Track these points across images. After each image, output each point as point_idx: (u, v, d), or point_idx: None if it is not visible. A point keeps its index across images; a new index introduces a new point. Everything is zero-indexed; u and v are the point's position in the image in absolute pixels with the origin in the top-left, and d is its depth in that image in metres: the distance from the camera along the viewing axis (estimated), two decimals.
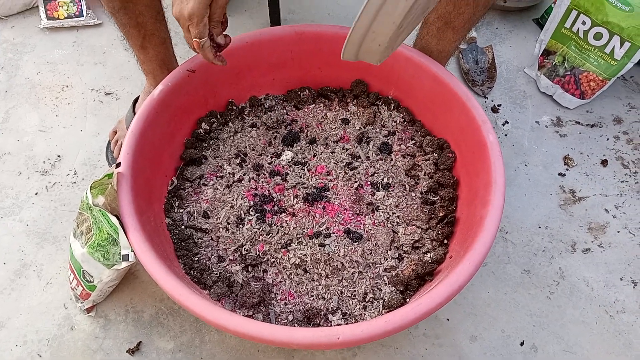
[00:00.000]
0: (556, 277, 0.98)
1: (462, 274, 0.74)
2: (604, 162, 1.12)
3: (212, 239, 0.92)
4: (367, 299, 0.87)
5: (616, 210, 1.06)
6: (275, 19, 1.36)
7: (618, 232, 1.03)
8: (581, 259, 1.00)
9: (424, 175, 0.99)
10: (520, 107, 1.21)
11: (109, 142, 1.11)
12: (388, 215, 0.94)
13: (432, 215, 0.94)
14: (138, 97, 1.10)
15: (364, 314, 0.85)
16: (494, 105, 1.21)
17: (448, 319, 0.94)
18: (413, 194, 0.97)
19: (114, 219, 0.79)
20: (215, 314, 0.72)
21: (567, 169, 1.11)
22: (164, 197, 0.96)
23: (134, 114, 1.07)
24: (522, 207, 1.06)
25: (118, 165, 0.83)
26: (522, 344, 0.91)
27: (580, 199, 1.07)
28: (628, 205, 1.06)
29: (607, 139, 1.16)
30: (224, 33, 0.81)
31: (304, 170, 0.99)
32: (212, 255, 0.91)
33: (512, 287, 0.97)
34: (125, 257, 0.80)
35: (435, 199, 0.96)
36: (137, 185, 0.85)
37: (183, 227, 0.93)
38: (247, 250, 0.90)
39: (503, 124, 1.18)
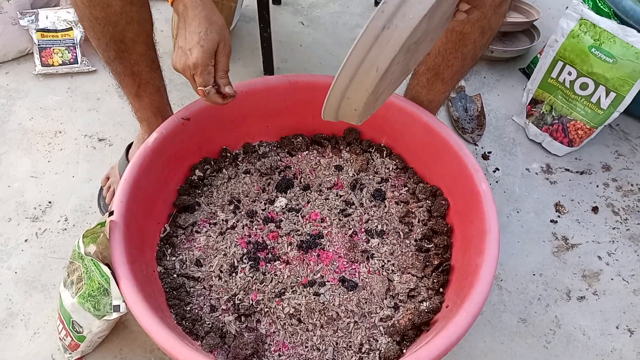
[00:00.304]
0: (552, 326, 0.97)
1: (460, 325, 0.74)
2: (595, 209, 1.13)
3: (204, 287, 0.91)
4: (363, 350, 0.85)
5: (609, 258, 1.06)
6: (268, 68, 1.39)
7: (612, 279, 1.03)
8: (576, 307, 1.00)
9: (418, 222, 0.99)
10: (510, 154, 1.23)
11: (101, 189, 1.10)
12: (383, 263, 0.94)
13: (427, 263, 0.94)
14: (131, 143, 1.10)
15: None
16: (484, 152, 1.23)
17: None
18: (407, 242, 0.97)
19: (105, 269, 0.77)
20: None
21: (558, 216, 1.12)
22: (156, 245, 0.94)
23: (127, 160, 1.07)
24: (516, 254, 1.06)
25: (111, 213, 0.82)
26: None
27: (573, 246, 1.08)
28: (620, 252, 1.07)
29: (597, 186, 1.17)
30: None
31: (298, 217, 0.99)
32: (205, 304, 0.89)
33: (508, 336, 0.96)
34: (117, 308, 0.78)
35: (430, 246, 0.96)
36: (130, 234, 0.84)
37: (175, 275, 0.91)
38: (240, 300, 0.89)
39: (494, 171, 1.20)
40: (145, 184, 0.91)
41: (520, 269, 1.04)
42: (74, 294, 0.81)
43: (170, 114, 1.02)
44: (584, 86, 1.14)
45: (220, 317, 0.88)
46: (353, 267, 0.93)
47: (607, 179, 1.19)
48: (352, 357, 0.85)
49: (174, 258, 0.94)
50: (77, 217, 1.08)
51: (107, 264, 0.80)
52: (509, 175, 1.19)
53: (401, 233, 0.98)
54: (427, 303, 0.89)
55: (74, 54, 1.37)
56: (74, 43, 1.37)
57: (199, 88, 0.77)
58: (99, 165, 1.17)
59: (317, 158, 1.10)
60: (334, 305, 0.88)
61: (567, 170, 1.20)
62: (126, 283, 0.77)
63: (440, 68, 0.94)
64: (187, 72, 0.76)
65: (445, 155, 0.97)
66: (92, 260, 0.78)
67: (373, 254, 0.95)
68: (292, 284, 0.90)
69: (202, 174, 1.04)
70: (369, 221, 0.99)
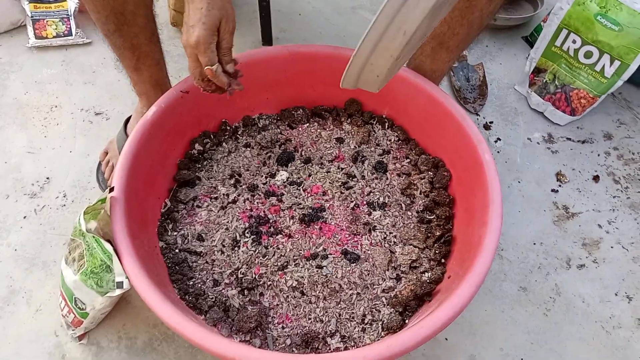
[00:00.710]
0: (552, 294, 0.98)
1: (463, 295, 0.74)
2: (596, 178, 1.13)
3: (207, 262, 0.91)
4: (365, 321, 0.86)
5: (609, 226, 1.07)
6: (267, 38, 1.36)
7: (612, 247, 1.04)
8: (576, 274, 1.00)
9: (420, 194, 0.99)
10: (512, 124, 1.22)
11: (100, 163, 1.09)
12: (385, 235, 0.94)
13: (429, 235, 0.94)
14: (129, 117, 1.08)
15: (363, 337, 0.84)
16: (486, 122, 1.22)
17: (447, 339, 0.93)
18: (409, 213, 0.97)
19: (107, 246, 0.77)
20: (213, 342, 0.70)
21: (559, 185, 1.12)
22: (157, 220, 0.94)
23: (126, 134, 1.06)
24: (517, 223, 1.07)
25: (111, 189, 0.81)
26: None
27: (573, 215, 1.08)
28: (620, 220, 1.07)
29: (598, 155, 1.17)
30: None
31: (299, 190, 0.99)
32: (207, 279, 0.89)
33: (509, 304, 0.97)
34: (120, 285, 0.78)
35: (432, 217, 0.96)
36: (131, 209, 0.84)
37: (177, 250, 0.91)
38: (243, 274, 0.89)
39: (495, 141, 1.19)
40: (144, 158, 0.90)
41: (520, 239, 1.05)
42: (75, 271, 0.80)
43: (170, 87, 1.01)
44: (588, 54, 1.12)
45: (223, 291, 0.88)
46: (355, 239, 0.93)
47: (608, 147, 1.18)
48: (355, 327, 0.85)
49: (175, 233, 0.93)
50: (75, 192, 1.07)
51: (108, 240, 0.80)
52: (511, 145, 1.18)
53: (403, 205, 0.98)
54: (429, 274, 0.89)
55: (68, 26, 1.34)
56: (67, 14, 1.34)
57: (205, 67, 0.74)
58: (96, 139, 1.16)
59: (318, 130, 1.08)
60: (336, 277, 0.88)
61: (569, 139, 1.19)
62: (129, 259, 0.77)
63: (445, 36, 0.92)
64: (190, 51, 0.73)
65: (448, 126, 0.96)
66: (93, 237, 0.77)
67: (375, 226, 0.95)
68: (295, 257, 0.90)
69: (202, 148, 1.03)
70: (371, 193, 0.99)
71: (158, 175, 0.96)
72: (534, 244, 1.04)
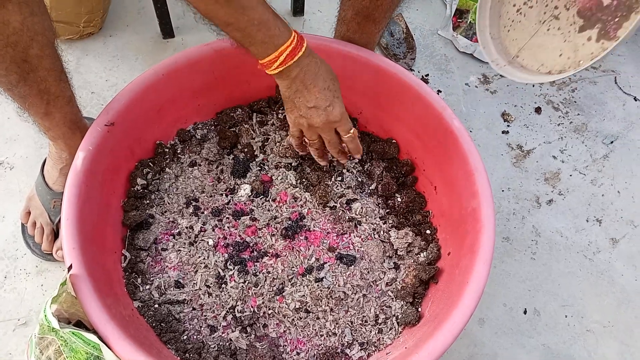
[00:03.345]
0: (533, 237, 1.01)
1: (480, 276, 0.72)
2: (538, 110, 1.15)
3: (194, 309, 0.81)
4: (379, 321, 0.82)
5: (562, 155, 1.10)
6: (166, 30, 1.20)
7: (570, 175, 1.08)
8: (548, 211, 1.03)
9: (381, 178, 0.94)
10: (447, 72, 1.20)
11: (24, 226, 0.92)
12: (374, 226, 0.89)
13: (408, 216, 0.91)
14: (44, 162, 0.91)
15: (383, 338, 0.81)
16: (422, 76, 1.19)
17: None
18: (380, 200, 0.93)
19: (90, 336, 0.65)
20: None
21: (508, 125, 1.13)
22: (122, 278, 0.82)
23: (46, 184, 0.90)
24: None
25: (70, 267, 0.68)
26: (525, 312, 0.93)
27: (528, 152, 1.10)
28: (571, 146, 1.11)
29: (533, 86, 1.19)
30: None
31: (269, 202, 0.90)
32: (202, 327, 0.80)
33: (498, 258, 0.98)
34: None
35: (401, 201, 0.92)
36: (97, 281, 0.71)
37: (157, 306, 0.80)
38: (240, 311, 0.80)
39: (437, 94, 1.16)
40: (88, 215, 0.76)
41: None
42: None
43: (85, 124, 0.85)
44: None
45: (223, 335, 0.79)
46: (344, 239, 0.88)
47: None
48: (370, 331, 0.82)
49: (148, 287, 0.82)
50: (6, 266, 0.90)
51: (79, 322, 0.68)
52: (452, 94, 1.17)
53: (369, 190, 0.93)
54: (425, 253, 0.87)
55: None
56: None
57: (350, 132, 0.79)
58: (5, 195, 0.97)
59: (263, 128, 0.98)
60: (339, 285, 0.83)
61: (503, 76, 1.20)
62: (119, 342, 0.66)
63: (369, 10, 0.86)
64: (329, 127, 0.77)
65: (404, 97, 0.91)
66: (71, 331, 0.65)
67: (359, 220, 0.90)
68: (290, 277, 0.83)
69: (144, 181, 0.89)
70: (339, 186, 0.93)
71: (106, 227, 0.82)
72: (503, 190, 1.05)
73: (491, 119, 1.14)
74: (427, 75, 1.19)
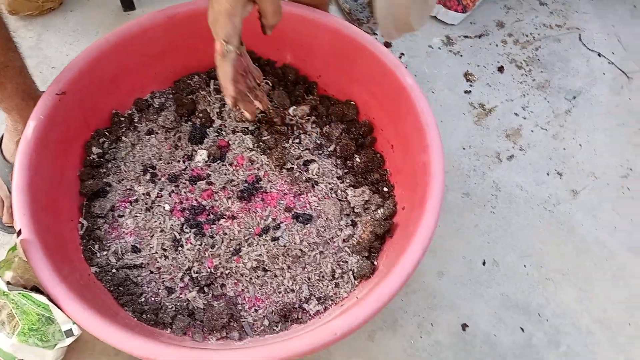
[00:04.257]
0: (493, 191, 1.01)
1: (428, 226, 0.73)
2: (501, 69, 1.15)
3: (152, 272, 0.82)
4: (336, 276, 0.84)
5: (524, 112, 1.11)
6: (127, 2, 1.19)
7: (532, 131, 1.08)
8: (509, 166, 1.04)
9: (340, 139, 0.94)
10: (410, 35, 1.20)
11: None
12: (331, 186, 0.90)
13: (366, 175, 0.92)
14: (1, 137, 0.92)
15: (339, 292, 0.82)
16: (385, 40, 1.19)
17: None
18: (339, 161, 0.93)
19: (40, 298, 0.67)
20: (195, 357, 0.65)
21: (470, 85, 1.13)
22: (80, 245, 0.83)
23: (4, 158, 0.90)
24: (443, 133, 1.05)
25: (19, 232, 0.69)
26: (483, 263, 0.94)
27: (490, 110, 1.10)
28: (533, 103, 1.12)
29: (497, 45, 1.19)
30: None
31: (225, 165, 0.91)
32: (159, 289, 0.81)
33: (457, 213, 0.99)
34: (69, 332, 0.69)
35: (359, 160, 0.92)
36: (49, 246, 0.72)
37: (114, 270, 0.81)
38: (196, 272, 0.82)
39: (399, 57, 1.16)
40: (40, 183, 0.77)
41: (450, 147, 1.06)
42: (10, 333, 0.69)
43: (40, 94, 0.85)
44: None
45: (181, 296, 0.81)
46: (301, 199, 0.89)
47: (503, 35, 1.20)
48: (328, 286, 0.83)
49: (105, 252, 0.83)
50: None
51: (37, 289, 0.69)
52: (415, 57, 1.17)
53: (327, 151, 0.94)
54: (382, 210, 0.87)
55: None
56: None
57: (217, 41, 0.65)
58: None
59: (220, 95, 0.99)
60: (295, 244, 0.84)
61: (466, 36, 1.20)
62: (69, 303, 0.67)
63: None
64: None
65: (359, 58, 0.91)
66: (20, 293, 0.66)
67: (317, 180, 0.90)
68: (246, 237, 0.84)
69: (100, 150, 0.90)
70: (297, 149, 0.93)
71: (61, 196, 0.83)
72: (464, 148, 1.06)
73: (454, 79, 1.14)
74: None
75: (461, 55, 1.17)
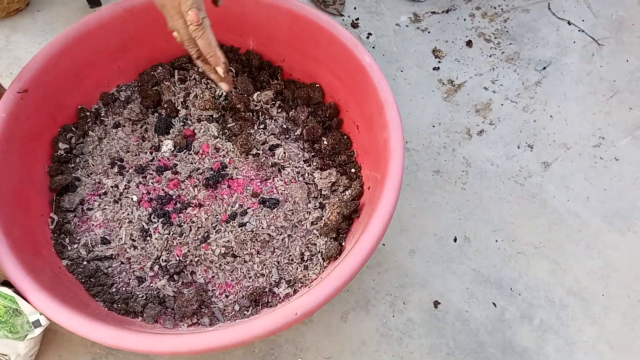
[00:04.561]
0: (463, 167, 1.02)
1: (389, 202, 0.74)
2: (469, 43, 1.15)
3: (122, 263, 0.83)
4: (305, 259, 0.84)
5: (494, 85, 1.10)
6: None
7: (502, 105, 1.08)
8: (479, 141, 1.04)
9: (302, 123, 0.95)
10: (377, 14, 1.19)
11: None
12: (297, 170, 0.90)
13: (334, 158, 0.92)
14: None
15: (308, 274, 0.83)
16: (352, 20, 1.18)
17: (384, 244, 0.94)
18: (305, 144, 0.94)
19: (5, 290, 0.68)
20: (164, 343, 0.66)
21: (439, 62, 1.13)
22: (51, 239, 0.84)
23: None
24: (412, 112, 1.07)
25: None
26: (455, 240, 0.95)
27: (459, 86, 1.10)
28: (502, 76, 1.11)
29: (465, 20, 1.18)
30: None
31: (191, 155, 0.91)
32: (130, 279, 0.82)
33: (428, 191, 0.99)
34: (37, 323, 0.70)
35: (326, 143, 0.93)
36: (16, 240, 0.73)
37: (85, 263, 0.82)
38: (165, 261, 0.83)
39: (367, 37, 1.16)
40: (7, 180, 0.78)
41: (420, 125, 1.06)
42: None
43: (3, 90, 0.86)
44: None
45: (151, 285, 0.82)
46: (268, 184, 0.89)
47: (471, 9, 1.19)
48: (297, 269, 0.84)
49: (75, 245, 0.84)
50: None
51: (5, 282, 0.71)
52: (383, 36, 1.16)
53: (294, 135, 0.94)
54: (349, 191, 0.88)
55: None
56: None
57: (190, 10, 0.63)
58: None
59: (185, 84, 0.99)
60: (262, 228, 0.85)
61: (434, 12, 1.19)
62: (35, 295, 0.68)
63: None
64: (170, 4, 0.64)
65: (319, 39, 0.91)
66: None
67: (283, 165, 0.91)
68: (214, 225, 0.85)
69: (67, 146, 0.90)
70: (263, 134, 0.94)
71: (30, 192, 0.84)
72: (433, 126, 1.06)
73: (422, 56, 1.14)
74: (357, 19, 1.18)
75: (429, 32, 1.16)
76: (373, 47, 1.15)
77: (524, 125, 1.06)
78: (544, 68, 1.12)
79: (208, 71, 0.73)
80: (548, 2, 1.20)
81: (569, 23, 1.18)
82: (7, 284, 0.73)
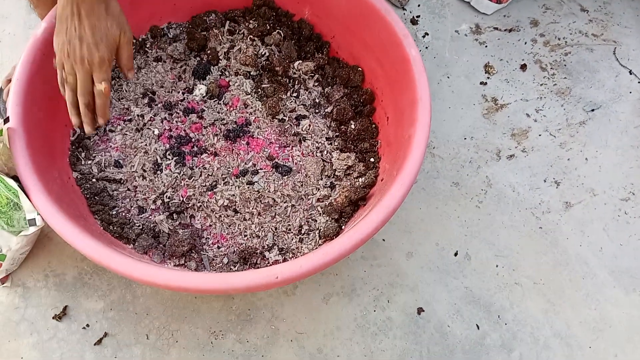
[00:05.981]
0: (483, 186, 1.00)
1: (395, 196, 0.73)
2: (523, 67, 1.12)
3: (128, 189, 0.85)
4: (302, 232, 0.85)
5: (537, 114, 1.08)
6: None
7: (539, 135, 1.05)
8: (506, 165, 1.02)
9: (335, 102, 0.94)
10: (439, 16, 1.18)
11: (1, 90, 0.97)
12: (318, 145, 0.90)
13: (358, 142, 0.91)
14: None
15: (301, 247, 0.83)
16: (413, 16, 1.17)
17: (384, 240, 0.94)
18: (332, 123, 0.93)
19: (11, 182, 0.70)
20: (142, 270, 0.67)
21: (488, 77, 1.11)
22: (68, 150, 0.86)
23: None
24: (447, 120, 1.06)
25: (7, 120, 0.73)
26: (455, 254, 0.93)
27: (502, 106, 1.08)
28: (548, 107, 1.08)
29: (525, 43, 1.15)
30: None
31: (220, 104, 0.92)
32: (132, 206, 0.84)
33: (442, 200, 0.98)
34: (32, 222, 0.72)
35: (354, 128, 0.92)
36: (34, 140, 0.76)
37: (94, 180, 0.85)
38: (169, 198, 0.84)
39: (423, 36, 1.14)
40: (42, 82, 0.80)
41: (452, 135, 1.04)
42: None
43: None
44: None
45: (150, 217, 0.83)
46: (286, 151, 0.90)
47: (535, 34, 1.16)
48: (292, 239, 0.84)
49: (89, 161, 0.86)
50: None
51: (13, 176, 0.73)
52: (439, 39, 1.15)
53: (327, 114, 0.94)
54: (363, 179, 0.87)
55: None
56: None
57: (102, 83, 0.73)
58: None
59: (232, 36, 1.00)
60: (269, 191, 0.85)
61: (496, 28, 1.17)
62: (37, 195, 0.70)
63: None
64: (85, 69, 0.71)
65: (372, 22, 0.90)
66: None
67: (305, 136, 0.91)
68: (223, 176, 0.86)
69: None
70: (294, 102, 0.94)
71: (61, 100, 0.86)
72: (465, 138, 1.04)
73: (472, 68, 1.11)
74: (418, 16, 1.17)
75: (486, 46, 1.14)
76: (426, 47, 1.13)
77: (556, 161, 1.03)
78: (593, 110, 1.08)
79: (70, 105, 0.76)
80: (615, 46, 1.16)
81: (630, 72, 1.14)
82: (16, 179, 0.75)
